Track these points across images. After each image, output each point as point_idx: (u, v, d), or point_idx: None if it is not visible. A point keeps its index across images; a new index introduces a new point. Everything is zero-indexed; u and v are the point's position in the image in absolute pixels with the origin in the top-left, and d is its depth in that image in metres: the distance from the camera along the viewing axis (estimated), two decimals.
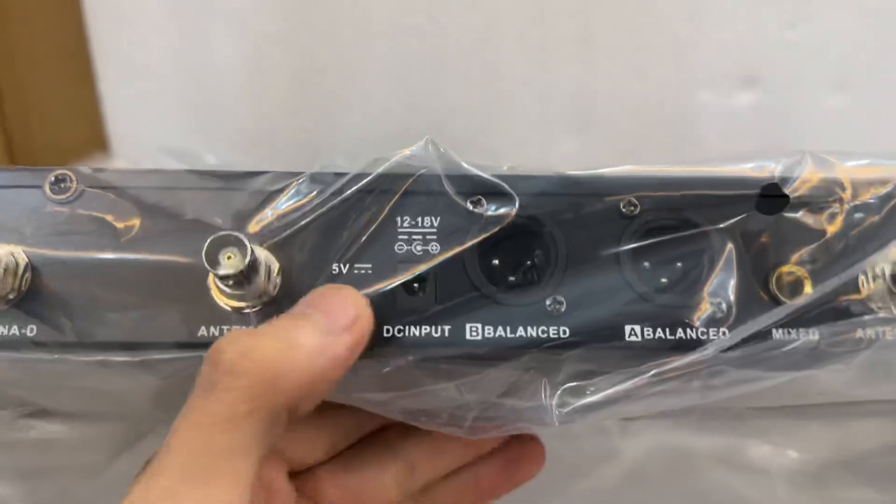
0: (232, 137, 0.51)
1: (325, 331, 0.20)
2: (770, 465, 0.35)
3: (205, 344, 0.21)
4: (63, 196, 0.24)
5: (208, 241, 0.22)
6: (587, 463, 0.35)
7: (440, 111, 0.51)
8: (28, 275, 0.23)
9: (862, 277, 0.24)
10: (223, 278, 0.22)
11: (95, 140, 0.52)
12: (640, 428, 0.35)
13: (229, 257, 0.22)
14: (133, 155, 0.50)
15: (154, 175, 0.24)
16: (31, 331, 0.23)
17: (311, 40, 0.49)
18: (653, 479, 0.35)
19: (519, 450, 0.28)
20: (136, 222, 0.24)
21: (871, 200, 0.24)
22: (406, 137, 0.51)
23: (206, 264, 0.22)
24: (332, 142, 0.51)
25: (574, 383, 0.24)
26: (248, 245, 0.21)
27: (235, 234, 0.22)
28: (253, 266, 0.22)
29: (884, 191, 0.24)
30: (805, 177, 0.24)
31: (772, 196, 0.24)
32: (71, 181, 0.24)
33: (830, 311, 0.23)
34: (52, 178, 0.24)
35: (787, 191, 0.24)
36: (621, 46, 0.49)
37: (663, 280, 0.24)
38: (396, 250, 0.24)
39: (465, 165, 0.25)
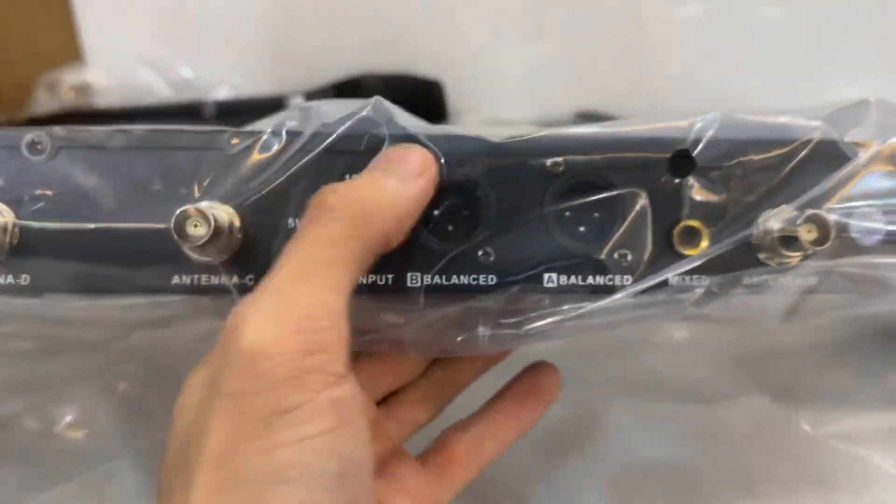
0: (202, 45, 0.53)
1: (403, 178, 0.24)
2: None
3: (179, 289, 0.25)
4: (40, 157, 0.26)
5: (175, 214, 0.24)
6: None
7: (401, 21, 0.53)
8: (17, 231, 0.26)
9: (755, 231, 0.26)
10: (191, 246, 0.25)
11: (70, 50, 0.54)
12: None
13: (195, 225, 0.24)
14: (107, 63, 0.52)
15: (126, 135, 0.26)
16: (25, 280, 0.26)
17: None
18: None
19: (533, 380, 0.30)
20: (111, 183, 0.26)
21: (773, 160, 0.26)
22: (369, 46, 0.54)
23: (175, 236, 0.24)
24: (298, 49, 0.54)
25: (503, 320, 0.27)
26: (211, 217, 0.24)
27: (198, 207, 0.24)
28: (216, 232, 0.24)
29: (785, 150, 0.26)
30: (711, 137, 0.26)
31: (682, 158, 0.26)
32: (46, 143, 0.25)
33: (724, 263, 0.26)
34: (28, 140, 0.26)
35: (695, 153, 0.26)
36: None
37: (581, 232, 0.27)
38: None
39: (409, 129, 0.26)
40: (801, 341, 0.37)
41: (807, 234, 0.25)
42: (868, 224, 0.26)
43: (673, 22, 0.52)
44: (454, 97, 0.54)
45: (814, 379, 0.36)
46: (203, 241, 0.24)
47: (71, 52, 0.54)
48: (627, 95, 0.55)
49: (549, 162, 0.26)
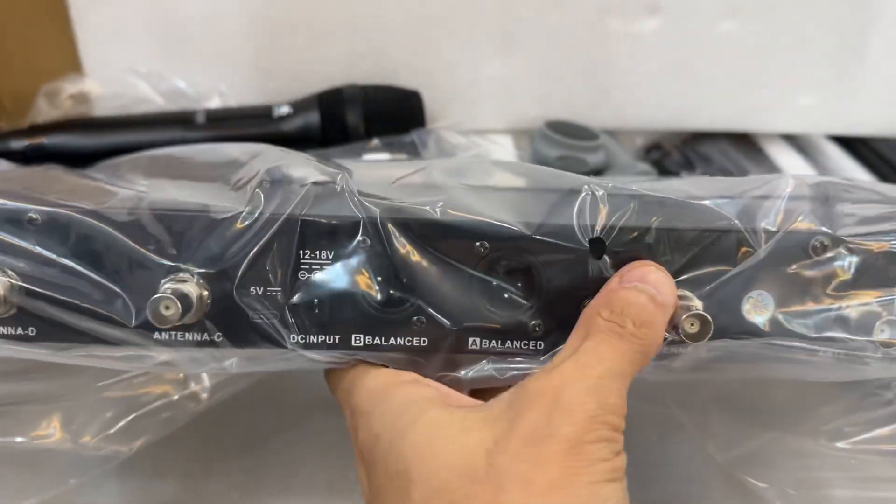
0: (193, 58, 0.57)
1: (664, 312, 0.30)
2: None
3: (159, 343, 0.30)
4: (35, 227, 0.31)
5: (149, 301, 0.29)
6: None
7: (381, 36, 0.56)
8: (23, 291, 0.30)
9: None
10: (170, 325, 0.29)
11: (69, 62, 0.57)
12: None
13: (168, 307, 0.29)
14: (104, 75, 0.55)
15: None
16: (31, 332, 0.31)
17: None
18: None
19: None
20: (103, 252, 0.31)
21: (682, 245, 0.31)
22: (351, 58, 0.57)
23: (152, 321, 0.29)
24: (282, 61, 0.57)
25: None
26: (178, 303, 0.29)
27: (169, 296, 0.29)
28: (186, 308, 0.29)
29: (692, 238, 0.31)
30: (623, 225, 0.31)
31: (597, 243, 0.30)
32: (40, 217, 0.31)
33: None
34: (27, 217, 0.30)
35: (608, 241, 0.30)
36: None
37: (502, 301, 0.31)
38: (300, 277, 0.31)
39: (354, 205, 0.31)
40: None
41: (690, 328, 0.29)
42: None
43: (636, 36, 0.55)
44: (432, 106, 0.57)
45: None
46: (175, 321, 0.29)
47: (70, 63, 0.57)
48: (594, 105, 0.58)
49: (478, 242, 0.31)
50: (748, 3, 0.54)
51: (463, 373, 0.31)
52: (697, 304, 0.30)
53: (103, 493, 0.39)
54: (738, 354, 0.31)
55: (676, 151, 0.58)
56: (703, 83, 0.57)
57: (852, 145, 0.57)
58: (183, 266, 0.30)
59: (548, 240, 0.30)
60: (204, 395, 0.38)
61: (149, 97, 0.55)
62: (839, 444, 0.36)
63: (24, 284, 0.30)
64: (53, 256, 0.30)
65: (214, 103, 0.55)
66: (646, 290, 0.29)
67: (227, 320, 0.31)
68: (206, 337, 0.31)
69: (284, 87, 0.57)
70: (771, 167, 0.56)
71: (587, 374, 0.27)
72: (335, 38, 0.56)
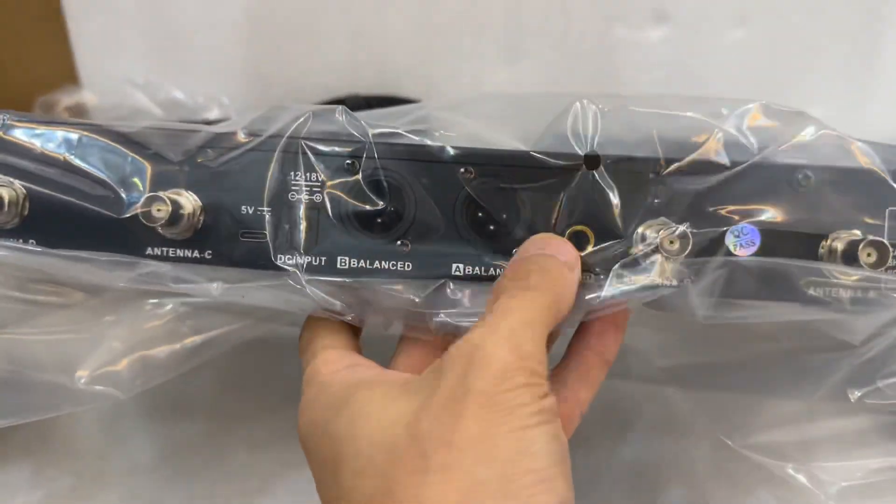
0: (191, 68, 0.56)
1: (573, 269, 0.30)
2: None
3: (150, 257, 0.31)
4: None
5: (142, 199, 0.30)
6: None
7: (383, 43, 0.56)
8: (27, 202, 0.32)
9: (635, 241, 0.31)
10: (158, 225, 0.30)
11: (66, 73, 0.56)
12: None
13: (159, 209, 0.30)
14: (101, 86, 0.54)
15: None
16: (32, 243, 0.32)
17: None
18: None
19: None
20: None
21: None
22: (351, 67, 0.56)
23: (142, 219, 0.30)
24: (282, 71, 0.56)
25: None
26: (169, 202, 0.30)
27: (161, 194, 0.30)
28: (177, 213, 0.30)
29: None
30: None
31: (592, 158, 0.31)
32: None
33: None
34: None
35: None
36: None
37: (488, 229, 0.31)
38: (290, 198, 0.31)
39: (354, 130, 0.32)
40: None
41: (670, 245, 0.30)
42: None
43: (644, 44, 0.54)
44: (435, 118, 0.56)
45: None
46: (165, 221, 0.30)
47: (66, 73, 0.56)
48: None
49: (462, 168, 0.31)
50: (757, 12, 0.53)
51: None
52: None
53: None
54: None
55: None
56: (711, 92, 0.55)
57: None
58: (182, 175, 0.31)
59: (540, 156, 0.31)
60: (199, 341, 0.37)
61: (146, 108, 0.54)
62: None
63: (29, 186, 0.31)
64: (57, 154, 0.32)
65: (213, 114, 0.54)
66: (545, 252, 0.30)
67: (218, 238, 0.31)
68: (196, 254, 0.31)
69: (285, 96, 0.56)
70: None
71: (498, 328, 0.27)
72: (337, 47, 0.55)
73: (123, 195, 0.31)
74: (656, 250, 0.30)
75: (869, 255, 0.29)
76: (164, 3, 0.54)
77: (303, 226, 0.31)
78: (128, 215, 0.31)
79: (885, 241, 0.30)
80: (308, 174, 0.31)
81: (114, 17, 0.54)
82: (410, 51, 0.56)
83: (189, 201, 0.31)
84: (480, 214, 0.31)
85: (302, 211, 0.31)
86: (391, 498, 0.25)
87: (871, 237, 0.30)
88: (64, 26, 0.54)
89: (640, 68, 0.55)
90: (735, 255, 0.30)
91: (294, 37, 0.55)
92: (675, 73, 0.55)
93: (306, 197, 0.31)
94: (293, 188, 0.31)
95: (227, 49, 0.55)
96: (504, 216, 0.31)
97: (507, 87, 0.57)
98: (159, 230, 0.31)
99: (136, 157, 0.32)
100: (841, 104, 0.55)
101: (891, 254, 0.30)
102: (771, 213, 0.31)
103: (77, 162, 0.31)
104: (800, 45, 0.54)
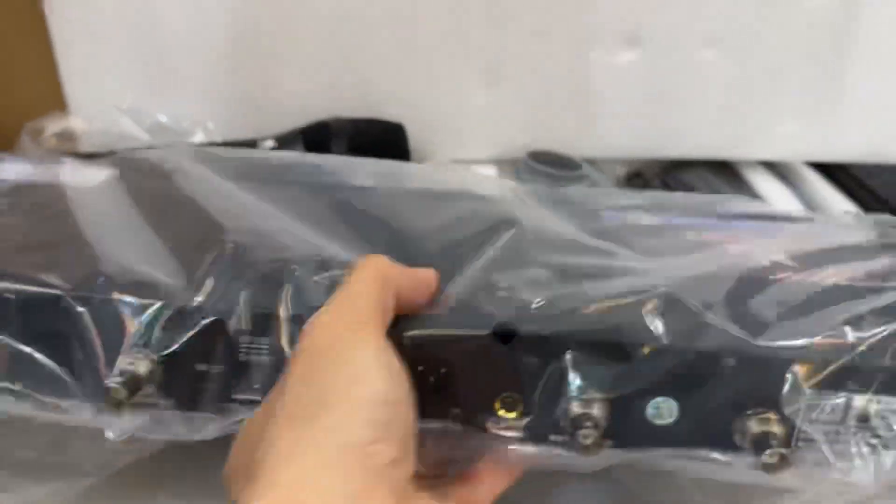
0: (177, 93, 0.57)
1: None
2: None
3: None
4: None
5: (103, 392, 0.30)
6: None
7: (366, 67, 0.57)
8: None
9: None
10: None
11: (53, 99, 0.57)
12: None
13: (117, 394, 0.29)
14: (88, 111, 0.55)
15: None
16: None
17: (251, 1, 0.54)
18: None
19: None
20: None
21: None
22: (337, 89, 0.57)
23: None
24: (267, 94, 0.57)
25: None
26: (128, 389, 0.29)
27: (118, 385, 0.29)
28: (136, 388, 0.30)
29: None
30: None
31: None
32: None
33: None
34: None
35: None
36: (525, 9, 0.55)
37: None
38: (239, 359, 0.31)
39: None
40: None
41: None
42: None
43: (617, 67, 0.56)
44: (418, 137, 0.57)
45: None
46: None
47: (54, 101, 0.57)
48: (577, 135, 0.59)
49: None
50: (727, 33, 0.55)
51: None
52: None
53: None
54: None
55: (657, 179, 0.59)
56: (683, 112, 0.57)
57: (831, 171, 0.57)
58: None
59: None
60: None
61: (134, 133, 0.55)
62: None
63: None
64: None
65: (199, 138, 0.55)
66: None
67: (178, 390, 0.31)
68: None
69: (269, 120, 0.57)
70: (751, 194, 0.56)
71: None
72: (323, 70, 0.57)
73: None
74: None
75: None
76: (150, 30, 0.55)
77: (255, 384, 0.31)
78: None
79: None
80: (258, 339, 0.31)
81: (101, 43, 0.55)
82: (393, 74, 0.57)
83: (145, 366, 0.30)
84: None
85: (253, 370, 0.31)
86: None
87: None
88: (51, 52, 0.55)
89: (614, 89, 0.57)
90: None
91: (281, 59, 0.56)
92: (648, 93, 0.57)
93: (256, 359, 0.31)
94: (241, 350, 0.31)
95: (212, 74, 0.56)
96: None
97: (486, 109, 0.58)
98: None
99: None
100: (808, 122, 0.57)
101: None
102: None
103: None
104: (769, 64, 0.55)
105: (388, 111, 0.57)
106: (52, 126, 0.53)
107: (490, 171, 0.59)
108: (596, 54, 0.56)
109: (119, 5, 0.55)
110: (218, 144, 0.54)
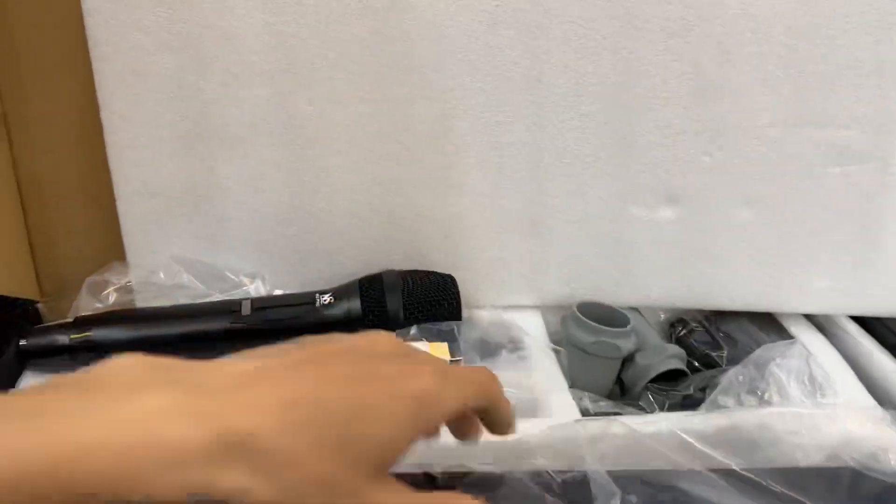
0: (232, 245, 0.59)
1: None
2: None
3: None
4: None
5: None
6: None
7: (413, 221, 0.59)
8: None
9: None
10: None
11: (111, 249, 0.59)
12: None
13: None
14: (147, 264, 0.57)
15: None
16: None
17: (302, 164, 0.57)
18: None
19: None
20: None
21: None
22: (384, 244, 0.59)
23: None
24: (319, 248, 0.59)
25: None
26: None
27: None
28: None
29: None
30: None
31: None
32: None
33: None
34: None
35: None
36: (565, 168, 0.57)
37: None
38: None
39: None
40: None
41: None
42: None
43: (656, 223, 0.58)
44: (463, 285, 0.59)
45: None
46: None
47: (112, 249, 0.59)
48: (617, 284, 0.61)
49: None
50: (763, 196, 0.57)
51: None
52: None
53: None
54: None
55: (700, 327, 0.60)
56: (722, 266, 0.59)
57: (869, 323, 0.59)
58: None
59: None
60: None
61: (191, 285, 0.56)
62: None
63: None
64: None
65: (255, 290, 0.57)
66: None
67: None
68: None
69: (321, 271, 0.59)
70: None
71: None
72: (371, 225, 0.59)
73: None
74: None
75: None
76: (209, 189, 0.57)
77: None
78: None
79: None
80: None
81: (162, 200, 0.57)
82: (438, 226, 0.59)
83: None
84: None
85: None
86: None
87: None
88: (114, 206, 0.57)
89: (654, 244, 0.59)
90: None
91: (331, 215, 0.59)
92: (687, 248, 0.59)
93: None
94: None
95: (267, 227, 0.58)
96: None
97: (528, 259, 0.60)
98: None
99: None
100: (845, 279, 0.59)
101: None
102: None
103: None
104: (804, 224, 0.57)
105: (434, 261, 0.59)
106: (113, 280, 0.55)
107: (535, 318, 0.60)
108: (636, 210, 0.58)
109: (180, 165, 0.57)
110: (276, 297, 0.55)
